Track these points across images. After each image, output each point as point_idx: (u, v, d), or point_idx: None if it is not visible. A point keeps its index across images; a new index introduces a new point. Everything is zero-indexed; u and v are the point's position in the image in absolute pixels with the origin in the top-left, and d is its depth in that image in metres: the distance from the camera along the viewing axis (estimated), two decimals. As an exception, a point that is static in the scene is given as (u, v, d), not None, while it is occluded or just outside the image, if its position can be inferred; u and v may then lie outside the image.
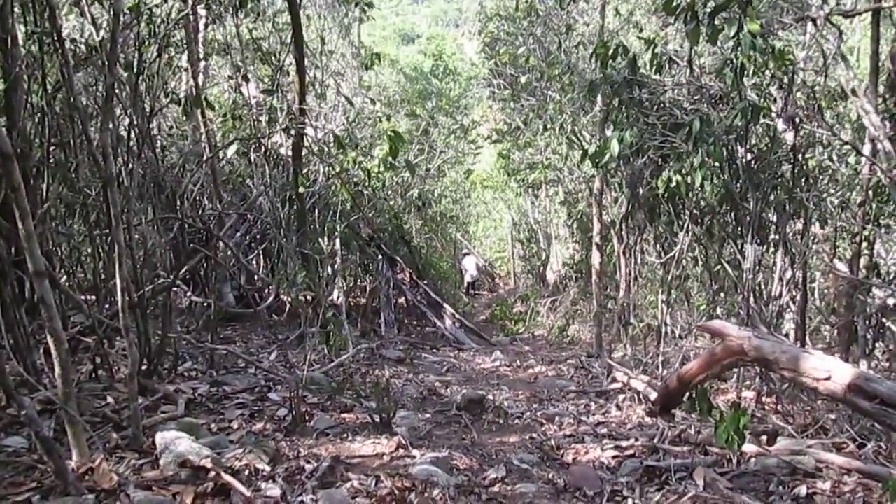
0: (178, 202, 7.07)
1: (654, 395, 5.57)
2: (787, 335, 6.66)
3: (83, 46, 5.73)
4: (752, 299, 5.83)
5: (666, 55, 6.27)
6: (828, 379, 3.22)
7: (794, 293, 6.23)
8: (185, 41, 7.93)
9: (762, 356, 3.66)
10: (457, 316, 11.55)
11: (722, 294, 6.98)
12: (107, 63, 3.76)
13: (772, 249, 6.33)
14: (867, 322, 5.98)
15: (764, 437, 4.16)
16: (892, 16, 7.36)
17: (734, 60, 4.89)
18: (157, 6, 5.62)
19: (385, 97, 16.10)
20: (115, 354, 5.43)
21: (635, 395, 6.15)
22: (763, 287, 6.43)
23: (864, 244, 5.98)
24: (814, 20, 6.25)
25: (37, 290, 3.12)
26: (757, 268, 6.16)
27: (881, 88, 5.89)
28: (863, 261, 6.00)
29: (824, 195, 6.39)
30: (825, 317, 7.78)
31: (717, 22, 4.74)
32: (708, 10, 4.73)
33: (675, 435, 4.64)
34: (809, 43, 6.90)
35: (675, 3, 4.77)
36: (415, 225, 14.56)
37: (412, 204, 13.72)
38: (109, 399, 4.53)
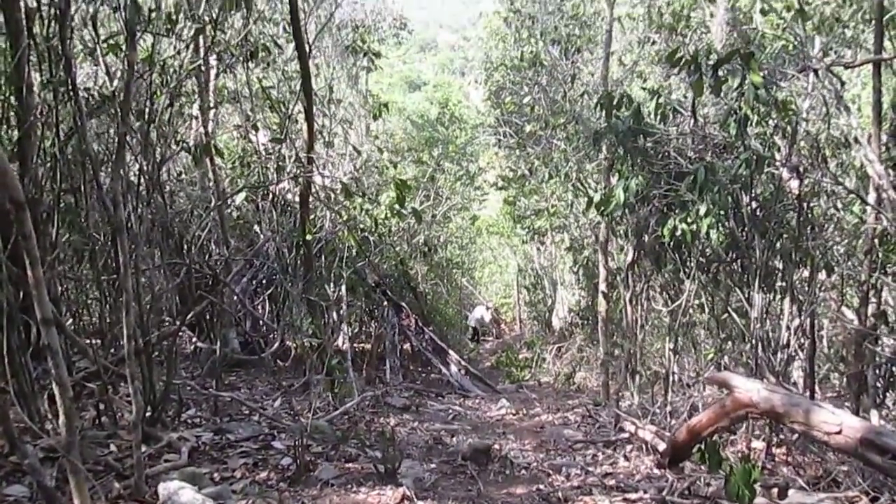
0: (186, 247, 7.10)
1: (662, 446, 5.50)
2: (795, 384, 6.60)
3: (96, 94, 5.84)
4: (759, 348, 5.79)
5: (670, 105, 6.35)
6: (839, 433, 3.18)
7: (801, 341, 6.19)
8: (196, 89, 8.07)
9: (772, 409, 3.62)
10: (462, 363, 11.48)
11: (729, 343, 6.93)
12: (120, 112, 3.83)
13: (778, 297, 6.31)
14: (877, 371, 5.92)
15: (775, 491, 4.09)
16: (894, 66, 7.46)
17: (738, 111, 4.94)
18: (170, 57, 5.73)
19: (392, 144, 16.28)
20: (119, 400, 5.40)
21: (643, 446, 6.07)
22: (771, 335, 6.39)
23: (872, 292, 5.96)
24: (815, 71, 6.34)
25: (44, 338, 3.12)
26: (764, 316, 6.13)
27: (884, 137, 5.93)
28: (870, 308, 5.97)
29: (830, 243, 6.39)
30: (834, 365, 7.71)
31: (720, 73, 4.81)
32: (711, 62, 4.80)
33: (685, 488, 4.56)
34: (811, 92, 6.98)
35: (678, 56, 4.84)
36: (420, 271, 14.56)
37: (418, 250, 13.75)
38: (112, 447, 4.49)
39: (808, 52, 6.63)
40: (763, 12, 8.16)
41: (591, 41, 11.83)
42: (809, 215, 6.17)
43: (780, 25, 7.82)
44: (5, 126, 5.30)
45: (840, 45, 8.59)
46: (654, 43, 10.57)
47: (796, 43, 6.90)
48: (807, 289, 6.13)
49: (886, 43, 6.04)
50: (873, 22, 6.10)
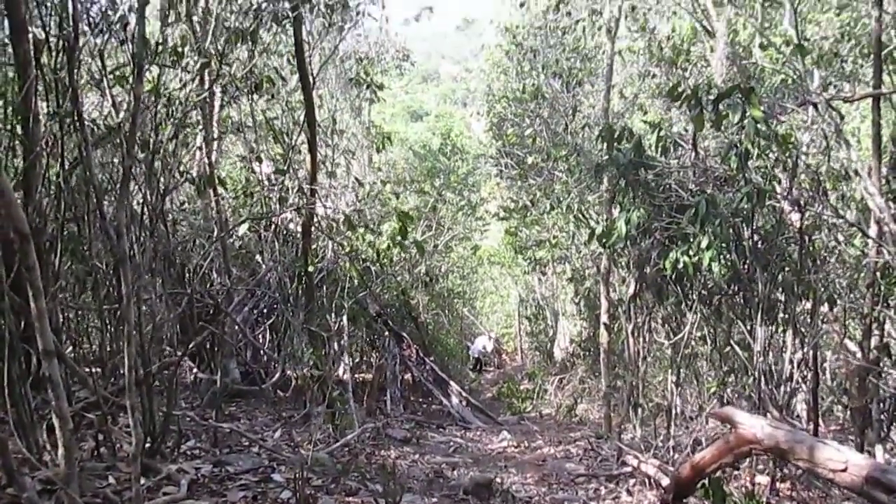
0: (188, 276, 7.11)
1: (665, 481, 5.44)
2: (799, 417, 6.55)
3: (102, 124, 5.88)
4: (762, 381, 5.77)
5: (671, 138, 6.39)
6: (844, 470, 3.15)
7: (804, 373, 6.16)
8: (200, 120, 8.13)
9: (776, 445, 3.59)
10: (463, 394, 11.42)
11: (732, 376, 6.90)
12: (125, 144, 3.86)
13: (781, 329, 6.30)
14: (881, 406, 5.89)
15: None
16: (893, 100, 7.52)
17: (739, 145, 4.98)
18: (176, 89, 5.78)
19: (394, 174, 16.35)
20: (118, 431, 5.36)
21: (646, 480, 6.01)
22: (774, 367, 6.36)
23: (874, 325, 5.95)
24: (815, 105, 6.39)
25: (45, 370, 3.11)
26: (767, 348, 6.11)
27: (884, 170, 5.96)
28: (873, 341, 5.95)
29: (832, 276, 6.39)
30: (837, 397, 7.66)
31: (720, 108, 4.85)
32: (711, 96, 4.85)
33: (689, 523, 4.51)
34: (811, 126, 7.04)
35: (679, 90, 4.89)
36: (422, 300, 14.55)
37: (420, 280, 13.75)
38: (111, 479, 4.45)
39: (807, 85, 6.69)
40: (762, 47, 8.27)
41: (592, 74, 11.95)
42: (811, 248, 6.18)
43: (780, 60, 7.91)
44: (11, 155, 5.33)
45: (839, 79, 8.68)
46: (654, 76, 10.67)
47: (795, 77, 6.97)
48: (809, 321, 6.12)
49: (885, 77, 6.10)
50: (871, 56, 6.18)
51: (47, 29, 5.07)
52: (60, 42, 4.95)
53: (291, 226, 9.71)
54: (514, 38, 12.90)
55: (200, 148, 8.24)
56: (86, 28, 5.45)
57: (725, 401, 6.76)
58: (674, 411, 6.88)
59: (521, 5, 12.06)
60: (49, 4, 5.16)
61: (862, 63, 8.72)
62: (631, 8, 10.67)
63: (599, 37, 11.11)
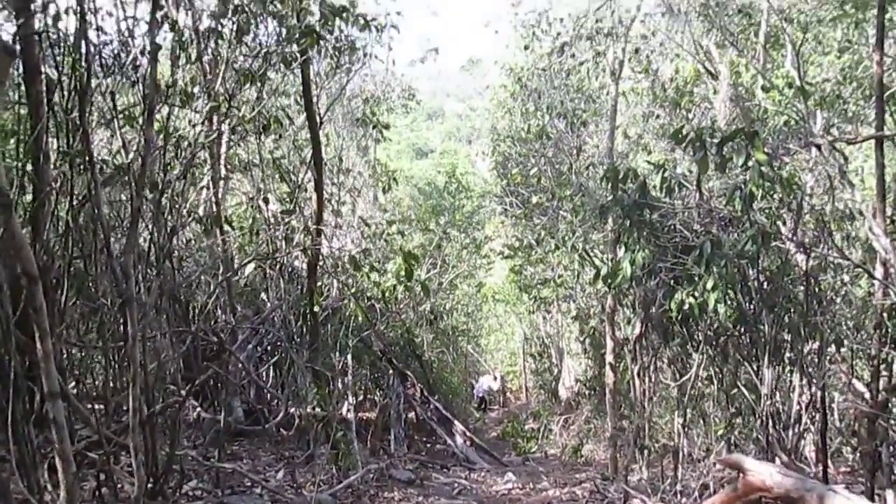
0: (192, 314, 7.11)
1: (673, 525, 5.36)
2: (807, 459, 6.47)
3: (111, 162, 5.94)
4: (770, 424, 5.71)
5: (675, 178, 6.42)
6: (855, 518, 3.10)
7: (812, 415, 6.11)
8: (207, 159, 8.21)
9: (786, 493, 3.54)
10: (468, 433, 11.32)
11: (739, 418, 6.83)
12: (135, 186, 3.90)
13: (788, 369, 6.25)
14: (891, 449, 5.81)
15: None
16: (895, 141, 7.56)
17: (743, 187, 5.00)
18: (185, 130, 5.86)
19: (399, 212, 16.42)
20: (119, 471, 5.32)
21: (653, 524, 5.92)
22: (781, 409, 6.31)
23: (883, 366, 5.90)
24: (818, 146, 6.44)
25: (49, 412, 3.11)
26: (774, 390, 6.07)
27: (889, 211, 5.97)
28: (882, 383, 5.90)
29: (839, 317, 6.36)
30: (845, 438, 7.57)
31: (724, 151, 4.88)
32: (715, 140, 4.89)
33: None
34: (814, 167, 7.08)
35: (683, 133, 4.93)
36: (426, 338, 14.50)
37: (424, 318, 13.72)
38: (112, 521, 4.40)
39: (810, 127, 6.75)
40: (765, 89, 8.35)
41: (596, 114, 12.07)
42: (817, 289, 6.17)
43: (782, 101, 7.98)
44: (21, 193, 5.38)
45: (842, 121, 8.74)
46: (658, 117, 10.77)
47: (798, 119, 7.04)
48: (817, 362, 6.08)
49: (888, 119, 6.14)
50: (874, 98, 6.23)
51: (60, 69, 5.16)
52: (73, 82, 5.03)
53: (297, 263, 9.74)
54: (519, 79, 13.06)
55: (207, 187, 8.31)
56: (98, 69, 5.55)
57: (733, 443, 6.69)
58: (681, 453, 6.80)
59: (526, 48, 12.22)
60: (63, 45, 5.26)
61: (864, 105, 8.79)
62: (635, 50, 10.82)
63: (603, 78, 11.25)
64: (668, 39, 10.77)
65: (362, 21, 6.84)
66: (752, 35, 10.87)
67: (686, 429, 6.98)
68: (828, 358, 6.31)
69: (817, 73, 9.44)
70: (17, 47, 4.51)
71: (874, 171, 5.98)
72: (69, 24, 5.11)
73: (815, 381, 5.95)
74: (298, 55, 6.44)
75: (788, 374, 6.21)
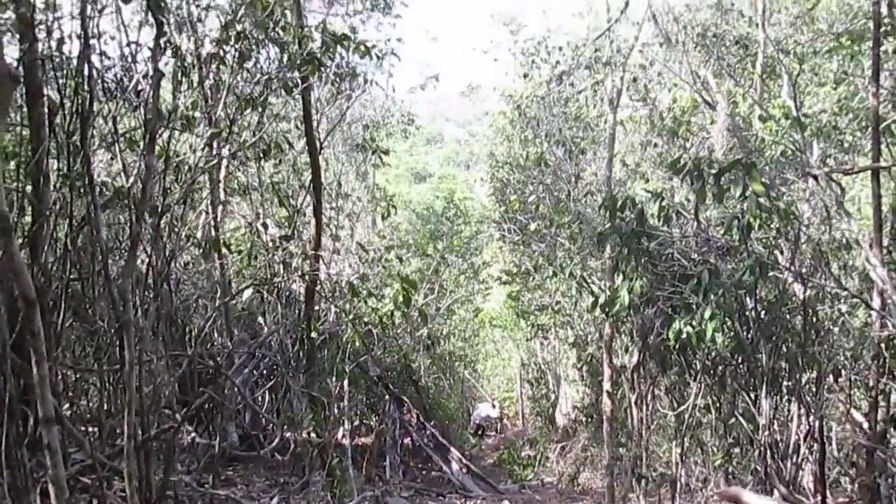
0: (189, 337, 7.08)
1: (670, 557, 5.32)
2: (805, 489, 6.43)
3: (111, 184, 5.95)
4: (768, 455, 5.69)
5: (672, 207, 6.45)
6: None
7: (811, 444, 6.09)
8: (206, 183, 8.22)
9: (784, 524, 3.52)
10: (464, 460, 11.24)
11: (737, 448, 6.80)
12: (134, 211, 3.90)
13: (786, 398, 6.24)
14: (890, 481, 5.79)
15: None
16: (892, 171, 7.61)
17: (741, 217, 5.03)
18: (185, 155, 5.88)
19: (397, 237, 16.44)
20: (113, 496, 5.26)
21: (651, 556, 5.87)
22: (779, 438, 6.28)
23: (881, 397, 5.89)
24: (815, 177, 6.47)
25: (44, 437, 3.08)
26: (772, 419, 6.05)
27: (885, 241, 6.00)
28: (880, 413, 5.88)
29: (836, 347, 6.37)
30: (844, 469, 7.53)
31: (722, 182, 4.92)
32: (713, 171, 4.92)
33: None
34: (811, 197, 7.11)
35: (681, 164, 4.97)
36: (423, 363, 14.45)
37: (421, 343, 13.68)
38: (104, 548, 4.35)
39: (807, 157, 6.79)
40: (762, 119, 8.41)
41: (594, 142, 12.14)
42: (815, 319, 6.18)
43: (779, 132, 8.04)
44: (20, 214, 5.39)
45: (838, 151, 8.80)
46: (656, 145, 10.84)
47: (795, 149, 7.08)
48: (815, 391, 6.07)
49: (883, 149, 6.19)
50: (870, 129, 6.28)
51: (63, 92, 5.19)
52: (75, 106, 5.06)
53: (294, 286, 9.72)
54: (518, 107, 13.15)
55: (206, 211, 8.32)
56: (100, 93, 5.58)
57: (731, 473, 6.65)
58: (678, 483, 6.76)
59: (525, 76, 12.33)
60: (66, 69, 5.30)
61: (861, 136, 8.85)
62: (633, 79, 10.92)
63: (602, 106, 11.34)
64: (666, 69, 10.88)
65: (363, 48, 6.90)
66: (749, 65, 10.99)
67: (684, 458, 6.95)
68: (826, 388, 6.31)
69: (813, 102, 9.52)
70: (21, 71, 4.55)
71: (871, 201, 6.03)
72: (73, 47, 5.17)
73: (813, 411, 5.94)
74: (300, 81, 6.48)
75: (786, 404, 6.20)
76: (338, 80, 8.01)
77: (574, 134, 12.15)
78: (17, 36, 4.74)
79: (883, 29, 5.65)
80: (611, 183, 9.34)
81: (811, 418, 5.97)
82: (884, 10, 5.68)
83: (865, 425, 5.78)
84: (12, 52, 4.84)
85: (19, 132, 5.53)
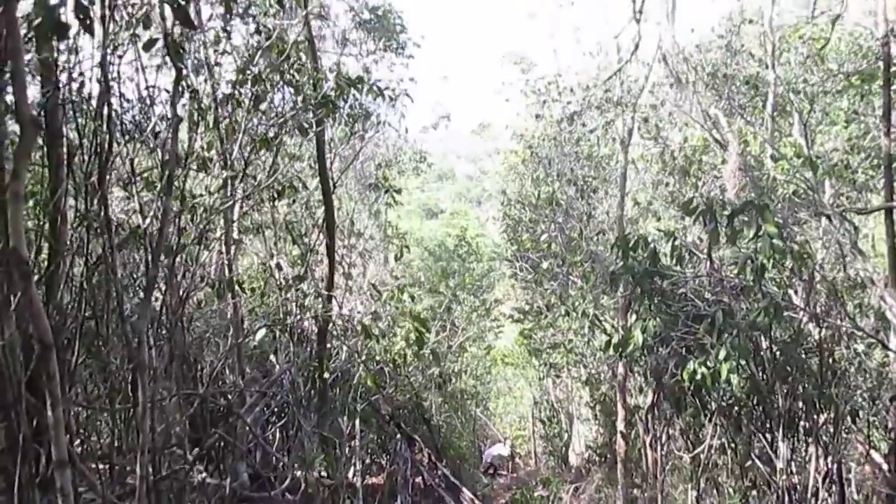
0: (200, 375, 7.06)
1: None
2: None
3: (127, 223, 6.01)
4: (787, 498, 5.60)
5: (685, 247, 6.44)
6: None
7: (829, 486, 5.98)
8: (221, 224, 8.28)
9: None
10: (476, 501, 11.09)
11: (754, 490, 6.69)
12: (151, 253, 3.94)
13: (803, 440, 6.15)
14: (911, 525, 5.67)
15: None
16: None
17: (754, 258, 5.01)
18: (201, 195, 5.95)
19: (409, 274, 16.45)
20: (122, 538, 5.21)
21: None
22: (797, 479, 6.18)
23: (900, 438, 5.80)
24: (829, 216, 6.47)
25: (57, 480, 3.09)
26: (789, 461, 5.96)
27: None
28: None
29: (853, 387, 6.30)
30: (864, 512, 7.38)
31: (735, 223, 4.91)
32: (726, 212, 4.92)
33: None
34: (824, 236, 7.09)
35: (693, 205, 4.98)
36: (434, 402, 14.34)
37: (433, 381, 13.60)
38: (113, 592, 4.30)
39: (819, 197, 6.79)
40: (774, 158, 8.43)
41: (606, 181, 12.18)
42: (831, 360, 6.12)
43: (791, 170, 8.05)
44: (37, 254, 5.43)
45: (851, 190, 8.79)
46: (667, 184, 10.87)
47: (807, 188, 7.08)
48: (832, 432, 5.99)
49: (896, 188, 6.16)
50: (882, 167, 6.28)
51: (82, 133, 5.27)
52: (94, 147, 5.13)
53: (306, 324, 9.71)
54: (530, 146, 13.23)
55: (220, 250, 8.37)
56: (118, 135, 5.67)
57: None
58: (695, 527, 6.65)
59: (537, 117, 12.44)
60: (85, 110, 5.39)
61: (873, 174, 8.85)
62: (644, 119, 10.99)
63: (613, 146, 11.41)
64: (677, 109, 10.95)
65: (376, 90, 6.99)
66: (760, 105, 11.04)
67: (700, 500, 6.84)
68: (844, 429, 6.23)
69: (824, 141, 9.54)
70: (42, 117, 4.64)
71: (885, 239, 6.00)
72: (92, 88, 5.26)
73: (831, 452, 5.85)
74: (314, 123, 6.57)
75: (804, 446, 6.11)
76: (351, 120, 8.11)
77: (586, 173, 12.19)
78: (38, 77, 4.83)
79: (894, 69, 5.68)
80: (623, 222, 9.36)
81: (829, 460, 5.88)
82: (894, 51, 5.72)
83: (885, 466, 5.68)
84: (32, 92, 4.94)
85: (41, 172, 5.60)
